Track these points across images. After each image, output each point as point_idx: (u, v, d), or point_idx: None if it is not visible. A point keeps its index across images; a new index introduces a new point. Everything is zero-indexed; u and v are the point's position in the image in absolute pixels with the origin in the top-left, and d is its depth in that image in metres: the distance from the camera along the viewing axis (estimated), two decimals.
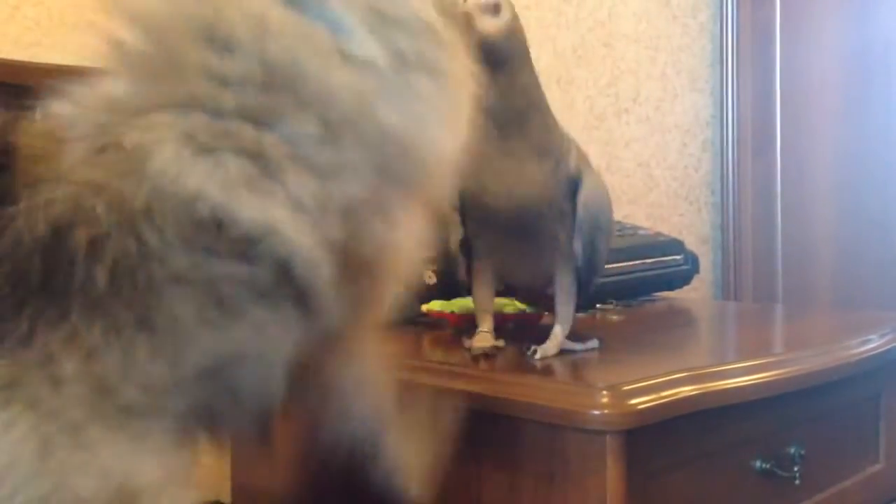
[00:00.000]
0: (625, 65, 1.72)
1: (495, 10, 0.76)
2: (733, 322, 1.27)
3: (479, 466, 0.78)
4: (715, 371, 0.79)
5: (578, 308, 0.87)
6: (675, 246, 1.33)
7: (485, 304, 0.88)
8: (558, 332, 0.84)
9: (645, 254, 1.26)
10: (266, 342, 0.51)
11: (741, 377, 0.80)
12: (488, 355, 0.84)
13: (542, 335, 0.87)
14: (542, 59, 1.57)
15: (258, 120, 0.49)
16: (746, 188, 1.84)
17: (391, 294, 0.58)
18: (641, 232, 1.34)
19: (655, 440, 0.73)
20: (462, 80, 0.57)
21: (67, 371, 0.45)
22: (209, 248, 0.47)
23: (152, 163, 0.47)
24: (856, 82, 1.81)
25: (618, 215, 1.62)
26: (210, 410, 0.52)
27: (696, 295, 1.80)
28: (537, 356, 0.82)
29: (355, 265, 0.53)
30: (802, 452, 0.88)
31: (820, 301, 1.80)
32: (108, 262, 0.46)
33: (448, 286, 0.95)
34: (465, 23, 0.73)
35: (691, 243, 1.79)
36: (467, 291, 0.91)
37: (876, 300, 1.74)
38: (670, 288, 1.31)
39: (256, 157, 0.48)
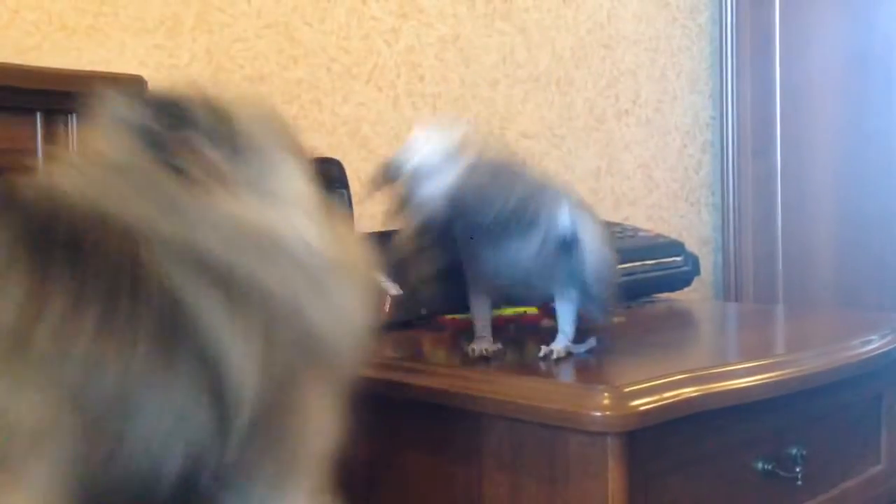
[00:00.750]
0: (624, 66, 1.72)
1: (451, 159, 0.77)
2: (734, 323, 1.27)
3: (481, 468, 0.78)
4: (716, 372, 0.79)
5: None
6: (676, 247, 1.33)
7: (482, 311, 0.89)
8: (563, 336, 0.85)
9: (645, 255, 1.26)
10: (166, 421, 0.50)
11: (742, 378, 0.80)
12: (487, 358, 0.84)
13: (545, 338, 0.87)
14: (541, 61, 1.57)
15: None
16: (747, 189, 1.84)
17: (304, 460, 0.59)
18: (642, 234, 1.34)
19: (657, 442, 0.73)
20: (359, 269, 0.63)
21: None
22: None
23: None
24: (856, 82, 1.81)
25: (618, 217, 1.63)
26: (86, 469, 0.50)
27: (696, 296, 1.79)
28: (553, 356, 0.83)
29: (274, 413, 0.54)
30: (804, 453, 0.88)
31: (821, 302, 1.79)
32: None
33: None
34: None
35: (692, 245, 1.79)
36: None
37: (877, 301, 1.73)
38: (671, 289, 1.31)
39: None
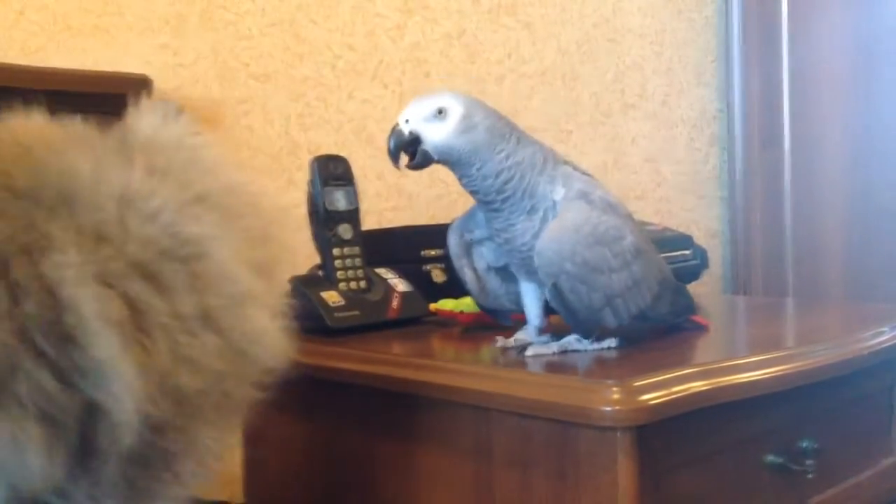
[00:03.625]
0: (630, 60, 1.71)
1: (440, 115, 0.80)
2: (744, 316, 1.26)
3: (490, 464, 0.78)
4: (726, 366, 0.78)
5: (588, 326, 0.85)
6: (684, 241, 1.32)
7: (530, 300, 0.89)
8: (527, 326, 0.87)
9: None
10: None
11: (752, 372, 0.79)
12: (516, 348, 0.85)
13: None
14: (547, 55, 1.57)
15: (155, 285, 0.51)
16: (755, 181, 1.83)
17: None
18: (649, 228, 1.33)
19: (667, 436, 0.73)
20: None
21: None
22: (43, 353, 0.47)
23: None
24: (864, 71, 1.80)
25: None
26: None
27: (705, 290, 1.79)
28: (499, 344, 0.85)
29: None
30: (815, 446, 0.87)
31: (831, 294, 1.79)
32: None
33: (457, 284, 0.95)
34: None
35: (700, 238, 1.78)
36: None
37: (887, 292, 1.73)
38: None
39: (136, 310, 0.50)
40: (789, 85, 1.81)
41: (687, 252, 1.31)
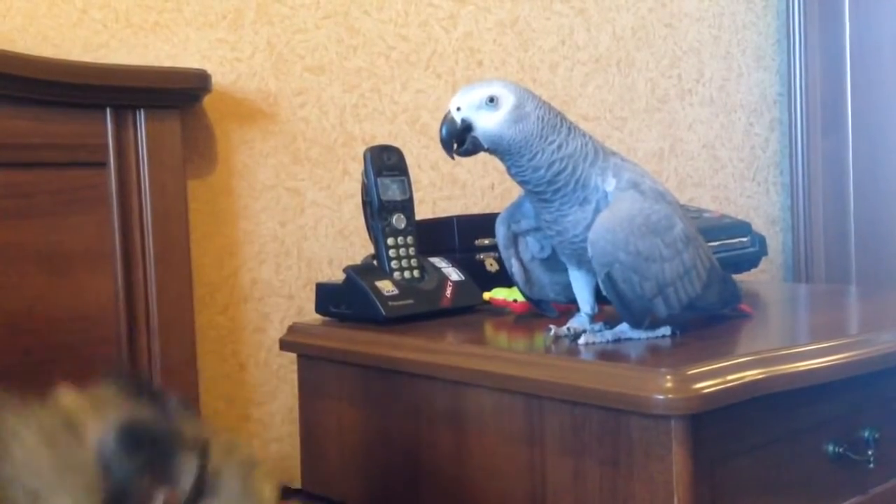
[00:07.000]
0: (687, 45, 1.69)
1: (491, 103, 0.80)
2: (803, 304, 1.24)
3: (543, 452, 0.78)
4: (783, 354, 0.77)
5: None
6: (742, 228, 1.31)
7: (580, 288, 0.89)
8: (579, 315, 0.88)
9: (710, 237, 1.24)
10: None
11: (811, 360, 0.78)
12: (570, 337, 0.85)
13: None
14: (602, 42, 1.55)
15: None
16: (817, 167, 1.79)
17: None
18: (706, 214, 1.32)
19: (722, 425, 0.73)
20: None
21: None
22: None
23: None
24: None
25: (683, 199, 1.60)
26: None
27: (765, 277, 1.76)
28: (551, 333, 0.86)
29: None
30: (877, 436, 0.86)
31: (895, 282, 1.74)
32: None
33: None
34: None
35: (759, 225, 1.75)
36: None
37: None
38: (738, 271, 1.29)
39: None
40: (852, 67, 1.77)
41: (745, 239, 1.30)
